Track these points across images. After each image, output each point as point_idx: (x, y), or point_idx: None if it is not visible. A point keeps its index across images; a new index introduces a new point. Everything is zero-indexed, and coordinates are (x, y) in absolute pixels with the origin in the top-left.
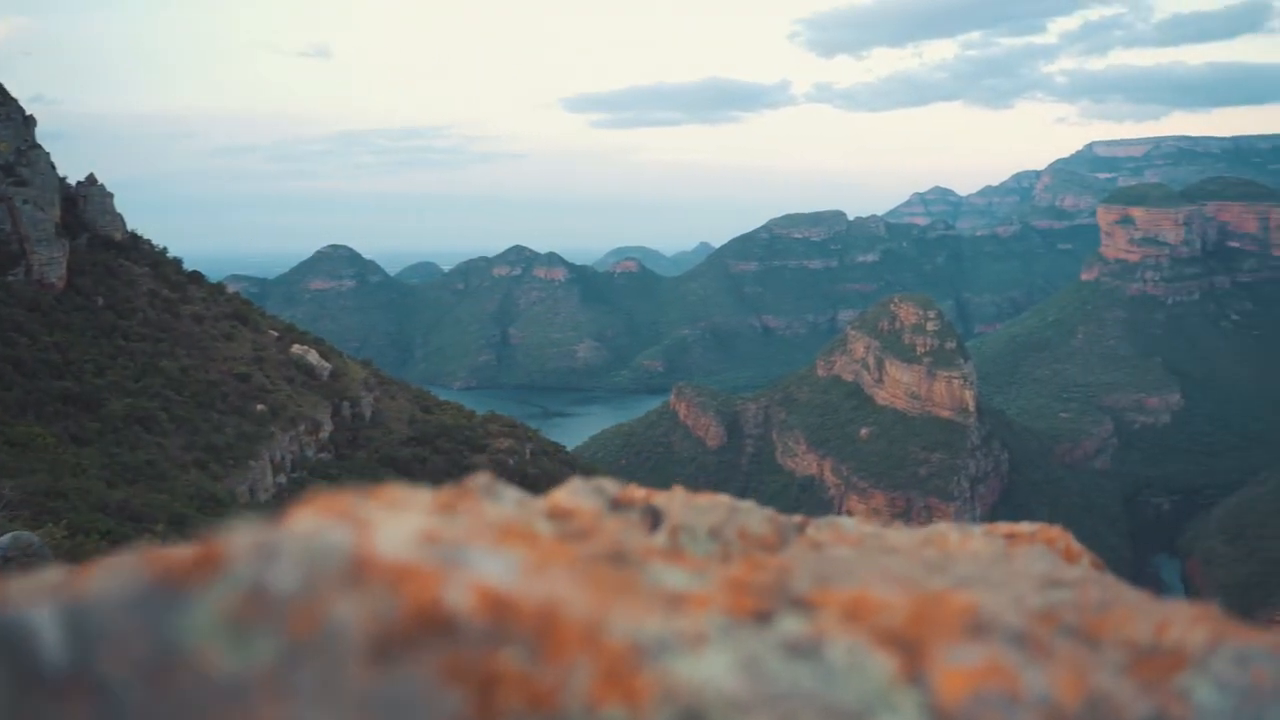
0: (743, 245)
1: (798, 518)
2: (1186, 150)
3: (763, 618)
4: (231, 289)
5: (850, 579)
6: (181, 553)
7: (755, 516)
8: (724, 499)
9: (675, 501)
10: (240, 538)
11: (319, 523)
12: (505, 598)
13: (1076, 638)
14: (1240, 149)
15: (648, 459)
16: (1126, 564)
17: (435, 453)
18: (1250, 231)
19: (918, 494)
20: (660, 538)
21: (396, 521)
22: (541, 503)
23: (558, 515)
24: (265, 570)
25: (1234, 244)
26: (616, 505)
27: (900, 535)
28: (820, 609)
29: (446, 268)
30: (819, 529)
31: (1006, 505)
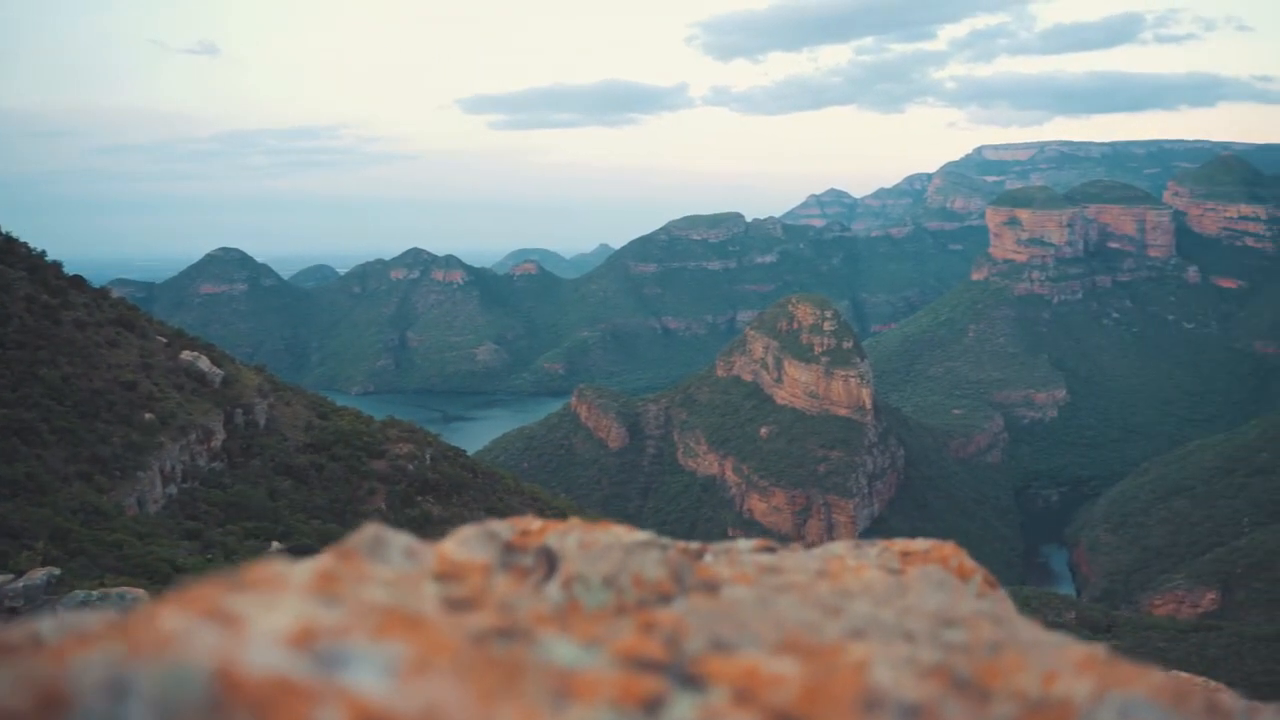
0: (642, 247)
1: (695, 544)
2: (1069, 155)
3: (653, 707)
4: (116, 294)
5: (745, 637)
6: (20, 697)
7: (650, 559)
8: (621, 536)
9: (570, 541)
10: (89, 672)
11: (184, 627)
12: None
13: (968, 693)
14: (1118, 154)
15: (549, 461)
16: (1018, 555)
17: (333, 459)
18: (1128, 233)
19: (817, 491)
20: (554, 590)
21: (270, 617)
22: (430, 558)
23: (447, 576)
24: (116, 715)
25: (1114, 245)
26: (510, 551)
27: (796, 564)
28: (712, 686)
29: (342, 271)
30: (716, 558)
31: (903, 500)
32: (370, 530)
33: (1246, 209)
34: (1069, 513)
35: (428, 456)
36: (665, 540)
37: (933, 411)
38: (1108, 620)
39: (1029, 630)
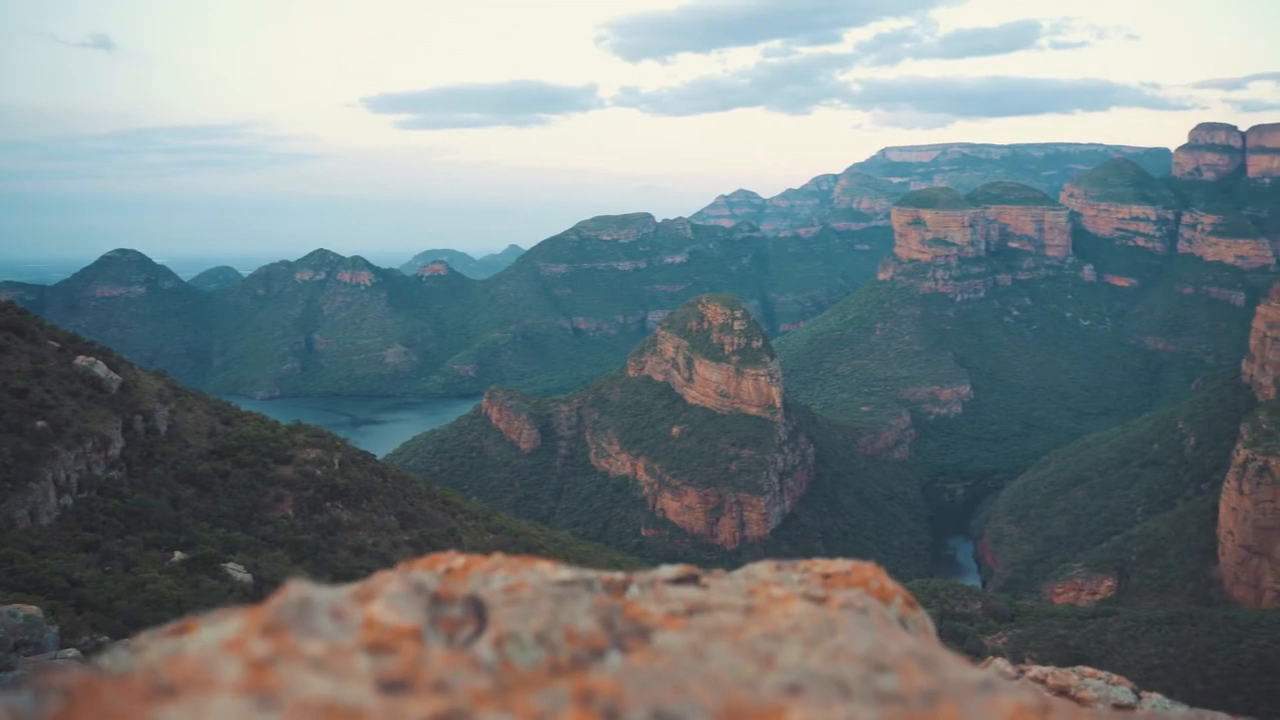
0: (552, 247)
1: (619, 576)
2: (970, 157)
3: None
4: (4, 297)
5: (686, 706)
6: None
7: (580, 608)
8: (547, 575)
9: (496, 585)
10: None
11: None
12: None
13: None
14: (1017, 156)
15: (461, 464)
16: (926, 547)
17: (238, 466)
18: (1027, 233)
19: (729, 489)
20: (487, 650)
21: None
22: (358, 622)
23: (378, 647)
24: None
25: (1014, 244)
26: (438, 603)
27: (722, 599)
28: None
29: (245, 273)
30: (642, 592)
31: (814, 496)
32: (295, 594)
33: (1138, 210)
34: (974, 506)
35: (336, 461)
36: (590, 576)
37: (841, 409)
38: (1012, 610)
39: (957, 670)
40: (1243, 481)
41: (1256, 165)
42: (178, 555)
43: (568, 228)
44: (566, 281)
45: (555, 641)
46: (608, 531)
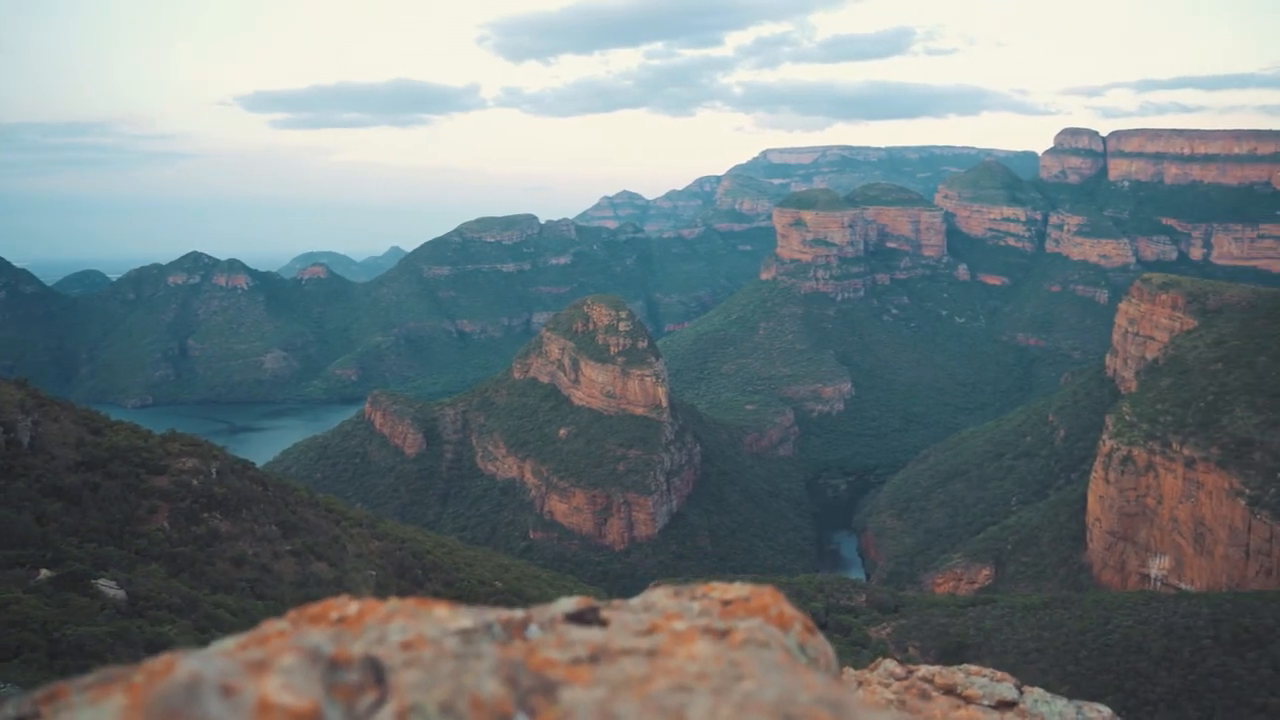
0: (435, 249)
1: (519, 615)
2: (848, 159)
3: None
4: None
5: None
6: None
7: (485, 667)
8: (447, 624)
9: (394, 640)
10: None
11: None
12: None
13: None
14: (894, 159)
15: (344, 471)
16: (811, 543)
17: (108, 478)
18: (904, 233)
19: (617, 490)
20: None
21: None
22: (252, 703)
23: None
24: None
25: (892, 244)
26: (334, 669)
27: (625, 640)
28: None
29: (114, 276)
30: (544, 633)
31: (701, 495)
32: (183, 674)
33: (1008, 211)
34: (857, 500)
35: (214, 470)
36: (489, 618)
37: (727, 408)
38: (895, 601)
39: (865, 716)
40: (1108, 471)
41: (1117, 169)
42: (44, 573)
43: (451, 229)
44: (450, 284)
45: (461, 712)
46: (496, 535)
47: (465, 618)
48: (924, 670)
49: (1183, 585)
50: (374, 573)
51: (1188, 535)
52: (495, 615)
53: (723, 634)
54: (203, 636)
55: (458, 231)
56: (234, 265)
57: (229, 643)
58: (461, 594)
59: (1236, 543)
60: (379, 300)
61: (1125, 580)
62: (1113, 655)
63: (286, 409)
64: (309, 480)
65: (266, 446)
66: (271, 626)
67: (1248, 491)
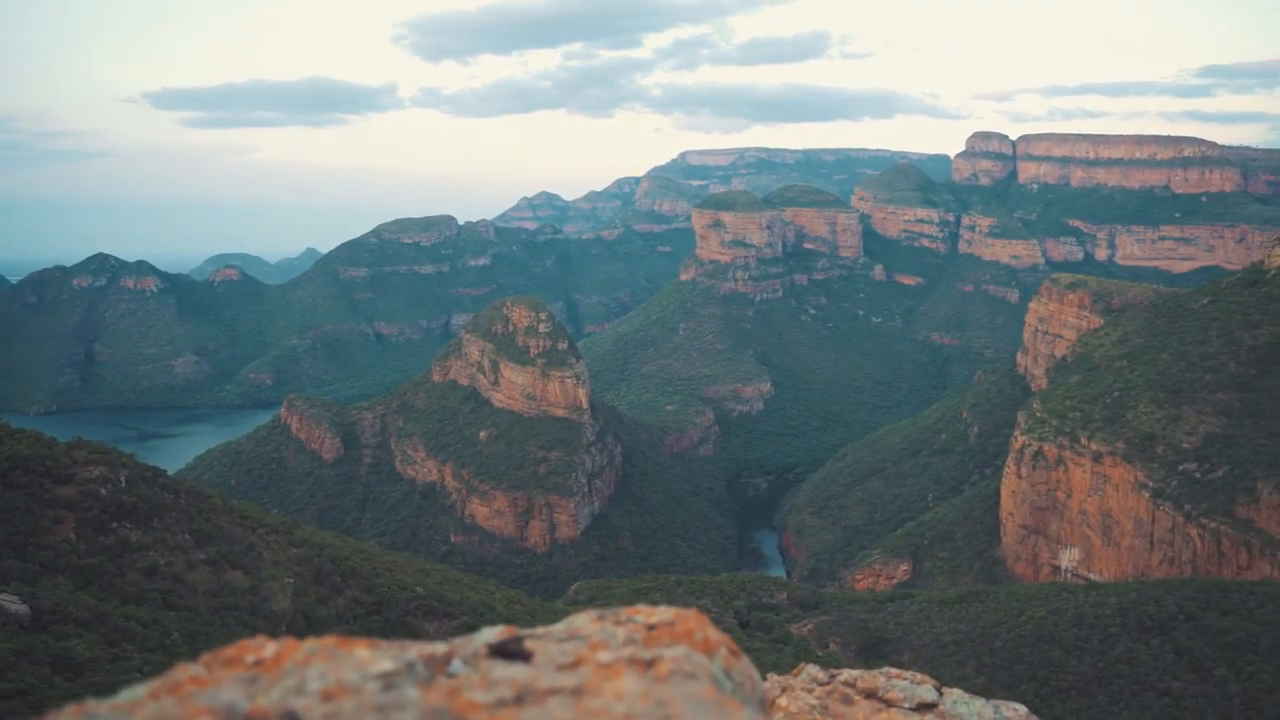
0: (352, 251)
1: (441, 649)
2: (766, 161)
3: None
4: None
5: None
6: None
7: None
8: (368, 668)
9: (313, 690)
10: None
11: None
12: None
13: None
14: (810, 161)
15: (260, 477)
16: (733, 542)
17: (9, 488)
18: (821, 235)
19: (539, 492)
20: None
21: None
22: None
23: None
24: None
25: (809, 246)
26: None
27: (550, 678)
28: None
29: (14, 279)
30: (468, 670)
31: (623, 496)
32: None
33: (922, 212)
34: (777, 499)
35: (123, 479)
36: (411, 657)
37: (647, 408)
38: (816, 598)
39: None
40: (1020, 466)
41: (1026, 171)
42: None
43: (368, 230)
44: (367, 285)
45: None
46: (416, 540)
47: (386, 659)
48: (846, 675)
49: (1091, 576)
50: (291, 580)
51: (1096, 527)
52: (417, 651)
53: (649, 664)
54: (112, 650)
55: (375, 233)
56: (143, 267)
57: (140, 691)
58: (382, 600)
59: (1141, 533)
60: (294, 303)
61: (1037, 572)
62: (1026, 645)
63: (199, 415)
64: (223, 487)
65: (178, 453)
66: (184, 672)
67: (1151, 484)
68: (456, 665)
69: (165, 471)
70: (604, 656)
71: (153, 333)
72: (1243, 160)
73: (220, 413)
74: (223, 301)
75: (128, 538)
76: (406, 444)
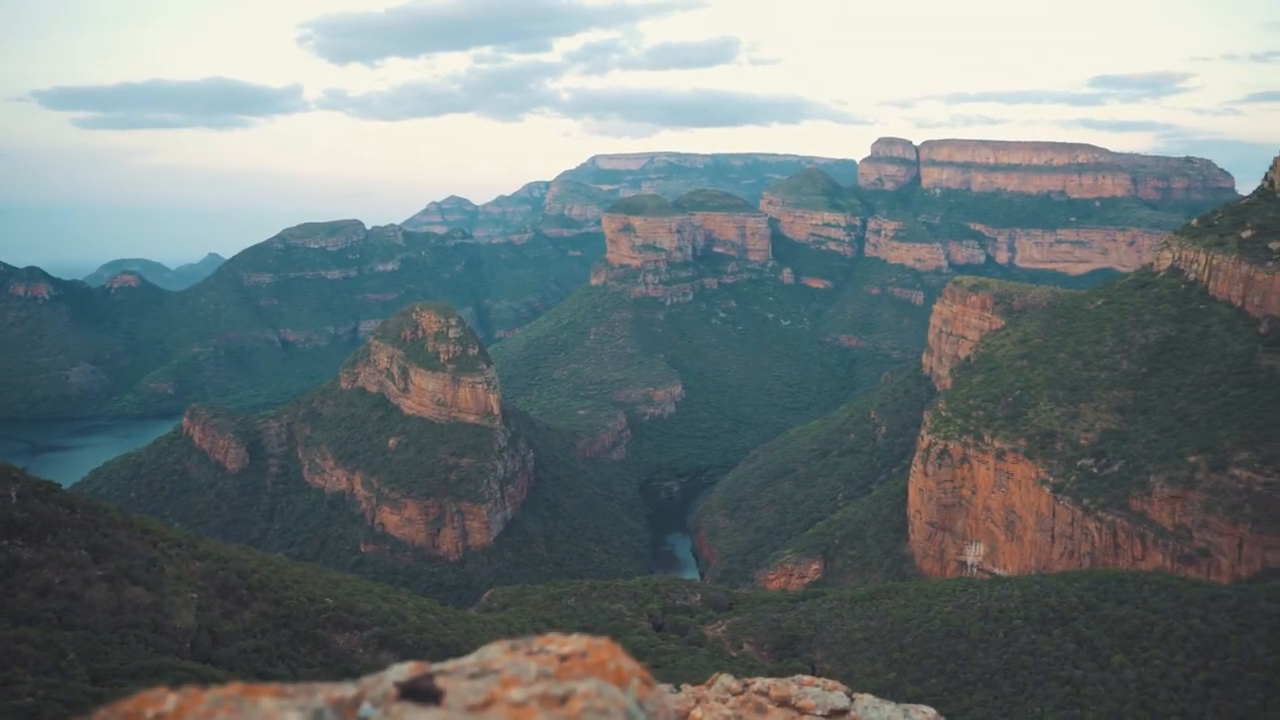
0: (256, 256)
1: (350, 691)
2: (676, 165)
3: None
4: None
5: None
6: None
7: None
8: (274, 717)
9: None
10: None
11: None
12: None
13: None
14: (719, 165)
15: (161, 489)
16: (646, 545)
17: None
18: (731, 239)
19: (450, 499)
20: None
21: None
22: None
23: None
24: None
25: (719, 249)
26: None
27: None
28: None
29: None
30: (379, 716)
31: (536, 501)
32: None
33: (829, 216)
34: (690, 501)
35: (14, 494)
36: (319, 703)
37: (559, 413)
38: (729, 599)
39: None
40: (926, 464)
41: (929, 176)
42: None
43: (273, 235)
44: (272, 291)
45: None
46: (325, 550)
47: (293, 710)
48: (759, 683)
49: (996, 570)
50: (195, 595)
51: (1000, 523)
52: (325, 696)
53: (561, 700)
54: (3, 674)
55: (280, 237)
56: (34, 274)
57: None
58: (291, 612)
59: (1043, 528)
60: (196, 309)
61: (944, 568)
62: (935, 640)
63: (96, 426)
64: (122, 501)
65: (74, 466)
66: None
67: (1051, 480)
68: (366, 709)
69: (60, 486)
70: (516, 694)
71: (45, 341)
72: (1133, 167)
73: (119, 424)
74: (120, 309)
75: (19, 555)
76: (314, 453)
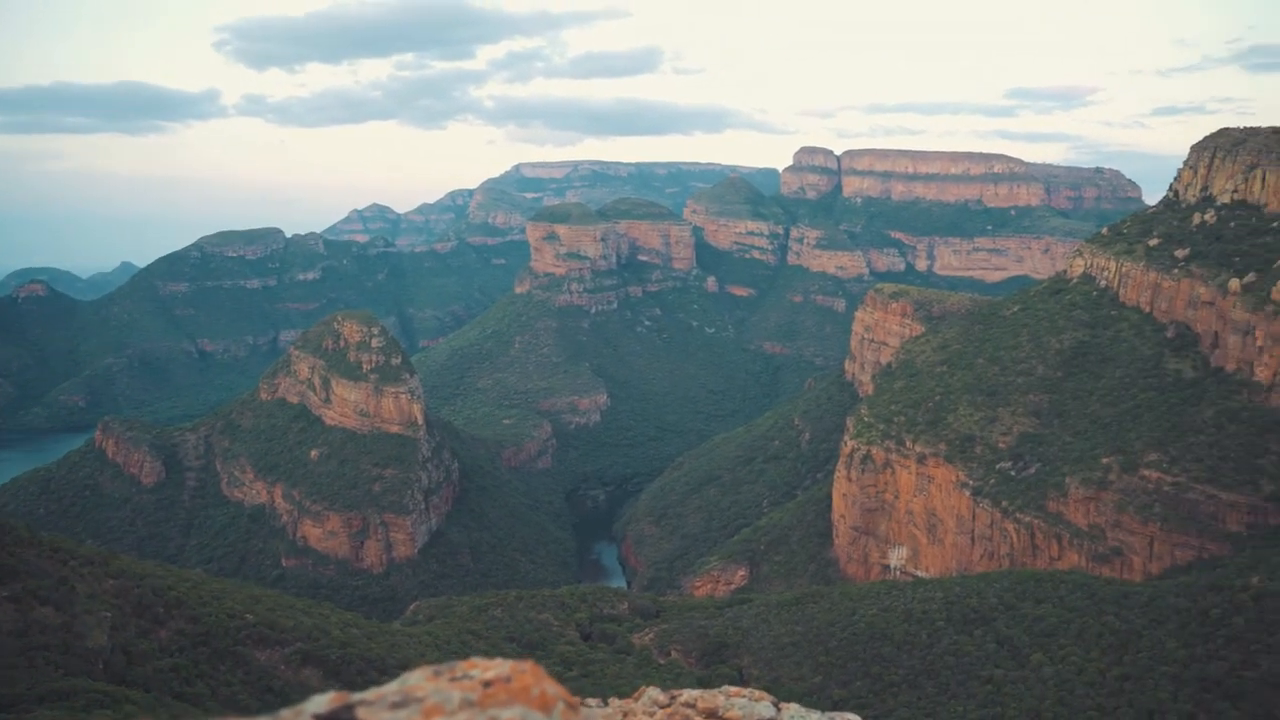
0: (172, 265)
1: None
2: (600, 174)
3: None
4: None
5: None
6: None
7: None
8: None
9: None
10: None
11: None
12: None
13: None
14: (643, 174)
15: (72, 505)
16: (572, 554)
17: None
18: (655, 247)
19: (374, 511)
20: None
21: None
22: None
23: None
24: None
25: (643, 258)
26: None
27: None
28: None
29: None
30: None
31: (461, 512)
32: None
33: (752, 225)
34: (616, 510)
35: None
36: None
37: (484, 423)
38: (656, 607)
39: None
40: (850, 470)
41: (849, 185)
42: None
43: (190, 243)
44: (189, 301)
45: None
46: (245, 565)
47: None
48: (686, 695)
49: (919, 573)
50: (109, 614)
51: (922, 526)
52: None
53: None
54: None
55: (197, 246)
56: None
57: None
58: (209, 630)
59: (963, 530)
60: (109, 320)
61: (868, 572)
62: (859, 643)
63: (4, 439)
64: (30, 518)
65: None
66: None
67: (971, 483)
68: None
69: None
70: None
71: None
72: (1046, 177)
73: (27, 437)
74: (28, 319)
75: None
76: (233, 465)
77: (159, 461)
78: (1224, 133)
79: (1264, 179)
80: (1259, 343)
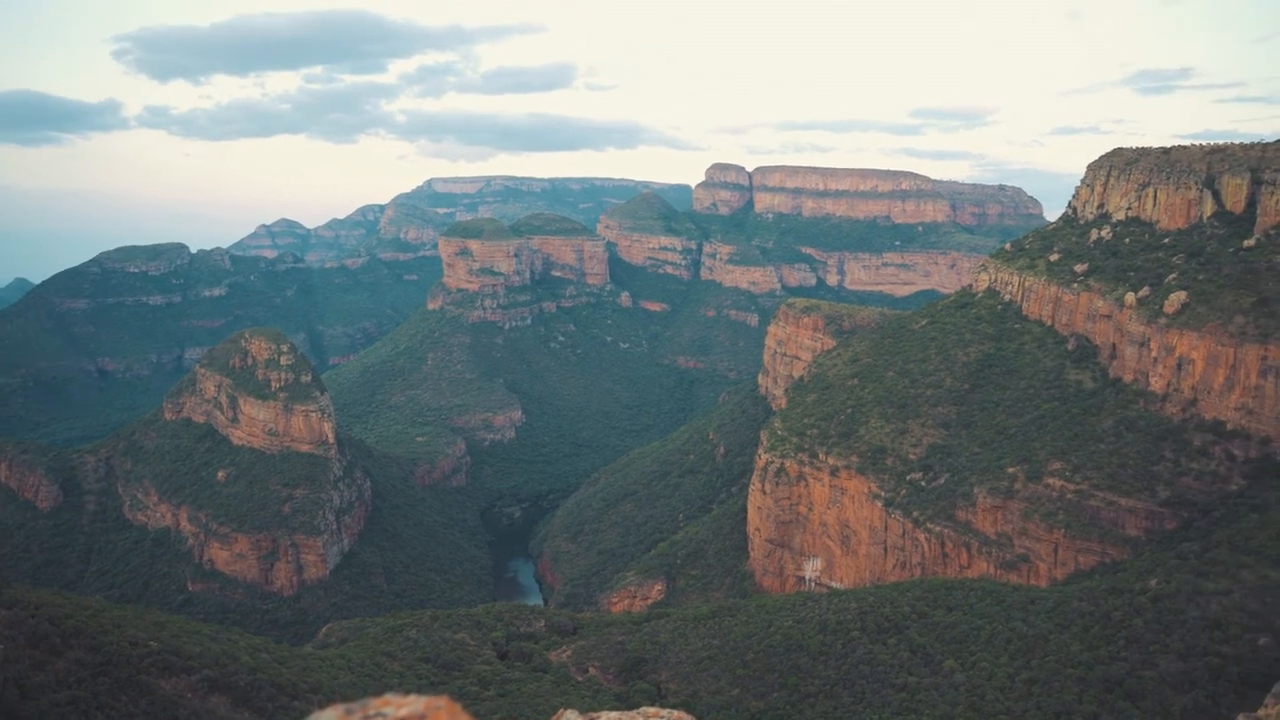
0: (70, 280)
1: None
2: (513, 189)
3: None
4: None
5: None
6: None
7: None
8: None
9: None
10: None
11: None
12: None
13: None
14: (557, 189)
15: None
16: (488, 572)
17: None
18: (569, 262)
19: (284, 532)
20: None
21: None
22: None
23: None
24: None
25: (557, 273)
26: None
27: None
28: None
29: None
30: None
31: (374, 531)
32: None
33: (665, 240)
34: (532, 526)
35: None
36: None
37: (397, 441)
38: (574, 623)
39: None
40: (764, 483)
41: (761, 201)
42: None
43: (89, 259)
44: (88, 318)
45: None
46: (149, 591)
47: None
48: (605, 717)
49: (833, 583)
50: (0, 646)
51: (836, 537)
52: None
53: None
54: None
55: (96, 261)
56: None
57: None
58: (110, 659)
59: (876, 541)
60: (2, 338)
61: (784, 583)
62: (776, 654)
63: None
64: None
65: None
66: None
67: (883, 494)
68: None
69: None
70: None
71: None
72: (951, 194)
73: None
74: None
75: None
76: (136, 488)
77: (56, 485)
78: (1118, 153)
79: (1155, 197)
80: (1154, 354)
